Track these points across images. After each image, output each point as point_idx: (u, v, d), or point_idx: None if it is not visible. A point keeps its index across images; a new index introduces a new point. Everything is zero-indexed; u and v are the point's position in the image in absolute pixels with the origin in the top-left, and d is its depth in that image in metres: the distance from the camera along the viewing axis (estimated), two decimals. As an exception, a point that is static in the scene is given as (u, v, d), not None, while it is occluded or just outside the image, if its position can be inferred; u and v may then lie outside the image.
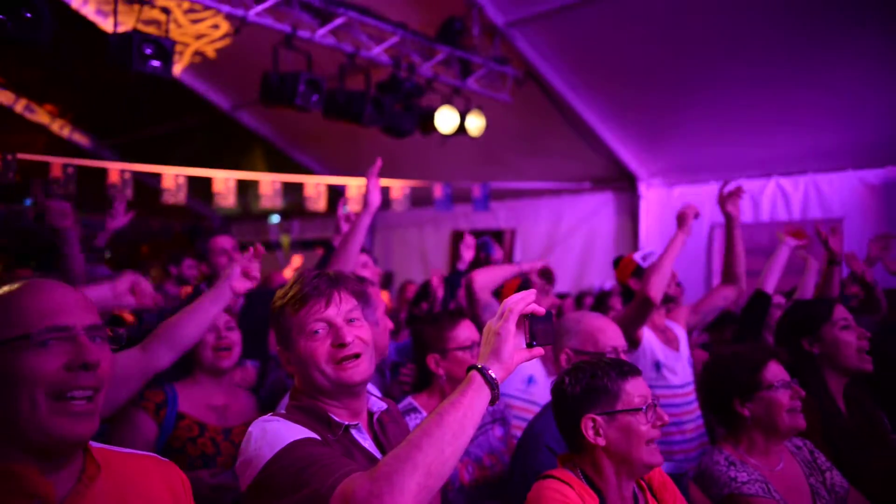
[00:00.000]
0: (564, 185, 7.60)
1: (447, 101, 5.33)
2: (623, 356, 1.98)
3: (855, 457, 2.05)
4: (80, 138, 8.79)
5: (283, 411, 1.37)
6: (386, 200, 7.18)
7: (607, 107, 6.16)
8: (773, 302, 3.26)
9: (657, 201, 7.10)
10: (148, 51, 3.47)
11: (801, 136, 5.72)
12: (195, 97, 7.29)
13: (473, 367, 1.18)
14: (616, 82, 5.86)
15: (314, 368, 1.33)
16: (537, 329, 1.20)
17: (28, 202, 9.81)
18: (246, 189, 6.72)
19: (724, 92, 5.50)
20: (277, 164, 8.48)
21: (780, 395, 1.86)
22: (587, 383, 1.52)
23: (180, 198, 5.70)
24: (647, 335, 2.85)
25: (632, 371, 1.53)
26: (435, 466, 1.09)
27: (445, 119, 5.21)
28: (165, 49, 3.54)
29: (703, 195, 6.85)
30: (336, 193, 7.29)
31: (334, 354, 1.34)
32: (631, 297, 2.95)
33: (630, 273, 3.02)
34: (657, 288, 2.54)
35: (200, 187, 6.26)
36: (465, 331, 2.13)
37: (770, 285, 3.10)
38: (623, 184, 7.21)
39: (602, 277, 7.37)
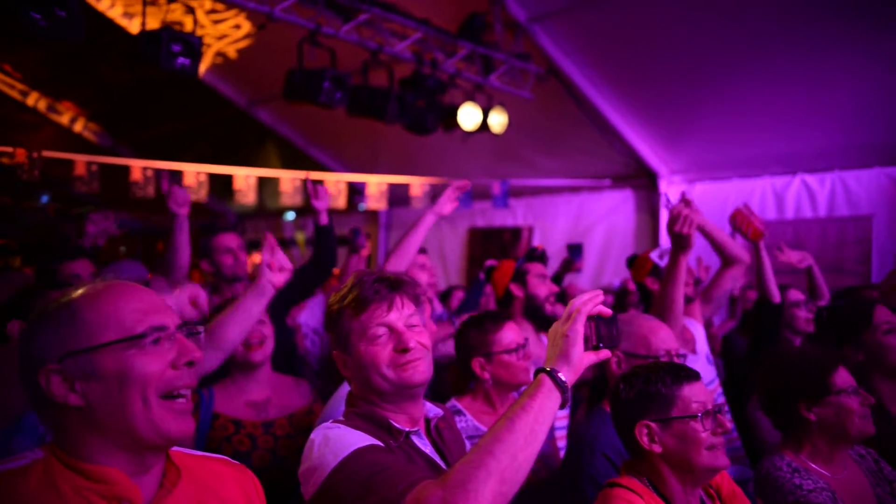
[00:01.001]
0: (584, 183, 7.54)
1: (469, 97, 5.29)
2: (677, 360, 1.93)
3: None
4: (90, 136, 8.80)
5: (342, 417, 1.34)
6: (405, 197, 7.16)
7: (628, 103, 6.10)
8: (788, 301, 3.15)
9: (678, 198, 7.01)
10: (176, 48, 3.45)
11: (828, 132, 5.64)
12: (210, 93, 7.28)
13: (542, 369, 1.16)
14: (637, 79, 5.79)
15: (375, 372, 1.32)
16: (603, 331, 1.18)
17: (45, 199, 9.87)
18: (263, 186, 6.72)
19: (746, 88, 5.42)
20: (294, 161, 8.47)
21: (850, 400, 1.81)
22: (641, 389, 1.49)
23: (201, 195, 5.70)
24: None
25: (689, 376, 1.49)
26: (509, 473, 1.06)
27: (468, 116, 5.17)
28: (193, 46, 3.52)
29: (725, 192, 6.78)
30: (354, 191, 7.27)
31: (396, 359, 1.32)
32: (647, 296, 2.87)
33: (647, 272, 2.96)
34: (676, 319, 2.41)
35: (218, 185, 6.26)
36: (510, 333, 2.10)
37: (774, 291, 2.99)
38: (643, 181, 7.15)
39: (622, 275, 7.31)
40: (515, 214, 8.47)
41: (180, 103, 7.78)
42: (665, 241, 7.04)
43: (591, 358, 1.18)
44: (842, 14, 4.51)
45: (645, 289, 3.01)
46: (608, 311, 1.19)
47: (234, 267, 2.99)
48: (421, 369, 1.33)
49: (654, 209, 7.16)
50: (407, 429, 1.32)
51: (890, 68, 4.74)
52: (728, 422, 1.45)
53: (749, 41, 4.99)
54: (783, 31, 4.80)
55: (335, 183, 6.36)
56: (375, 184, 6.47)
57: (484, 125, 5.29)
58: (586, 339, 1.15)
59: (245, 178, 5.61)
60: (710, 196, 6.86)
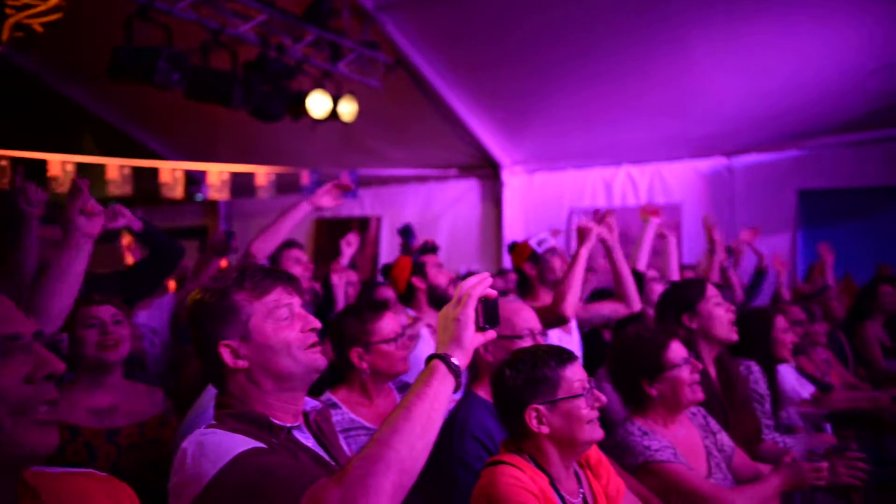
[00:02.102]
0: (431, 172, 7.68)
1: (317, 84, 5.15)
2: (539, 338, 2.05)
3: (723, 420, 2.31)
4: None
5: (214, 421, 1.25)
6: (250, 188, 6.82)
7: (473, 95, 6.29)
8: (648, 277, 3.54)
9: (519, 188, 7.41)
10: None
11: (646, 127, 6.24)
12: (12, 69, 6.38)
13: (435, 355, 1.16)
14: (482, 71, 6.00)
15: (286, 354, 1.25)
16: (488, 312, 1.20)
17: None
18: (85, 174, 6.02)
19: (579, 84, 5.83)
20: (119, 147, 7.70)
21: (682, 372, 2.03)
22: (528, 374, 1.54)
23: (3, 183, 4.97)
24: None
25: (570, 357, 1.58)
26: (408, 463, 1.05)
27: (318, 103, 5.03)
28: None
29: (560, 182, 7.28)
30: (191, 181, 6.79)
31: (305, 340, 1.28)
32: (525, 280, 3.05)
33: (525, 258, 3.11)
34: (571, 305, 2.58)
35: (27, 172, 5.47)
36: (389, 322, 2.09)
37: (642, 263, 3.34)
38: (487, 171, 7.44)
39: (469, 262, 7.57)
40: (363, 204, 8.42)
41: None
42: (509, 229, 7.42)
43: (480, 339, 1.19)
44: (657, 20, 4.99)
45: (523, 273, 3.15)
46: (494, 293, 1.20)
47: None
48: (321, 353, 1.30)
49: (497, 199, 7.48)
50: (288, 424, 1.27)
51: (694, 71, 5.34)
52: (602, 396, 1.57)
53: (582, 41, 5.35)
54: (611, 32, 5.20)
55: (170, 171, 5.88)
56: (216, 172, 6.08)
57: (334, 113, 5.18)
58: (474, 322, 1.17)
59: (61, 164, 4.99)
60: (548, 186, 7.33)
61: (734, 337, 2.45)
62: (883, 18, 4.48)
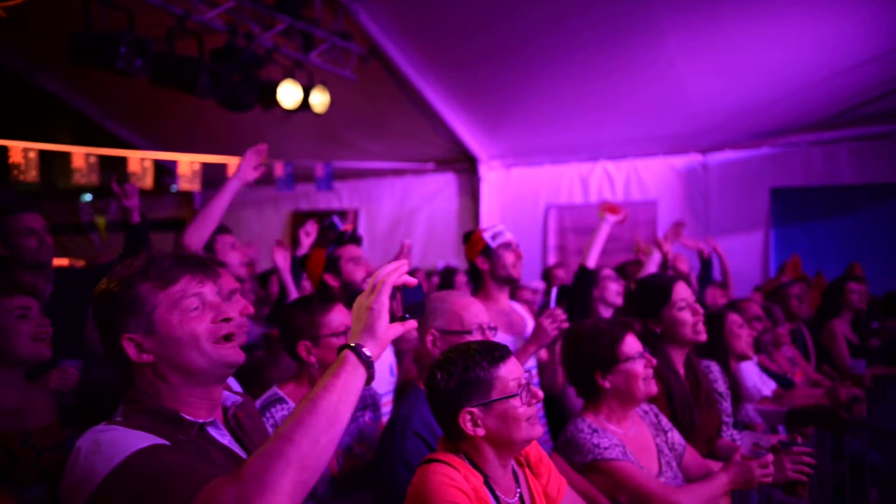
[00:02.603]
0: (408, 166, 7.62)
1: (289, 74, 5.06)
2: (489, 333, 2.00)
3: (689, 418, 2.27)
4: None
5: (119, 418, 1.17)
6: (222, 178, 6.70)
7: (450, 88, 6.23)
8: (602, 275, 3.51)
9: (496, 183, 7.38)
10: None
11: (622, 123, 6.23)
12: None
13: (346, 346, 1.11)
14: (458, 65, 5.94)
15: (193, 348, 1.17)
16: (409, 301, 1.15)
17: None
18: (51, 163, 5.88)
19: (557, 80, 5.79)
20: (88, 135, 7.54)
21: (636, 365, 1.99)
22: (460, 377, 1.47)
23: (31, 175, 4.86)
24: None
25: (503, 355, 1.51)
26: (310, 459, 1.00)
27: (288, 93, 4.94)
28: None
29: (537, 177, 7.26)
30: (163, 171, 6.66)
31: (216, 332, 1.19)
32: (477, 275, 2.90)
33: (479, 251, 2.91)
34: None
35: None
36: (338, 315, 2.02)
37: (592, 260, 3.29)
38: (465, 165, 7.40)
39: (447, 256, 7.53)
40: (340, 197, 8.35)
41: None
42: (487, 223, 7.38)
43: (398, 329, 1.14)
44: (635, 9, 4.95)
45: (476, 268, 2.91)
46: (413, 281, 1.15)
47: (37, 252, 2.58)
48: (238, 347, 1.22)
49: (475, 192, 7.44)
50: (201, 420, 1.19)
51: (665, 67, 5.32)
52: (539, 391, 1.50)
53: (560, 36, 5.30)
54: (587, 29, 5.17)
55: (140, 161, 5.76)
56: (188, 163, 5.96)
57: (305, 104, 5.09)
58: (392, 311, 1.12)
59: (22, 151, 4.85)
60: (525, 180, 7.31)
61: (702, 338, 2.41)
62: (856, 16, 4.49)
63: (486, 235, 2.94)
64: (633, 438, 2.00)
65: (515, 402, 1.46)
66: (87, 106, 7.49)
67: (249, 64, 4.61)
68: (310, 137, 7.01)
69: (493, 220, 7.41)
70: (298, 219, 8.54)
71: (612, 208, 3.40)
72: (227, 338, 1.21)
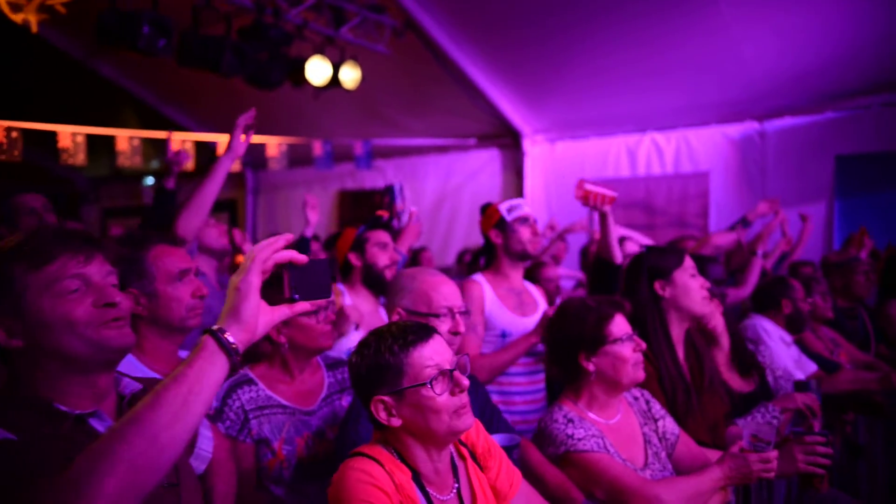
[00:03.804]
0: (450, 142, 7.49)
1: (319, 50, 5.01)
2: (459, 318, 1.86)
3: (686, 402, 2.10)
4: None
5: None
6: (263, 159, 6.79)
7: (489, 60, 6.05)
8: (627, 252, 3.29)
9: (541, 157, 7.16)
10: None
11: (671, 91, 5.88)
12: (42, 43, 6.47)
13: (208, 330, 1.00)
14: (498, 36, 5.74)
15: (69, 332, 1.08)
16: (297, 280, 1.04)
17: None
18: (110, 149, 6.10)
19: (601, 48, 5.52)
20: (148, 121, 7.79)
21: (624, 348, 1.83)
22: (371, 361, 1.35)
23: (79, 159, 5.08)
24: (491, 303, 2.67)
25: (419, 337, 1.35)
26: (144, 459, 0.89)
27: (317, 70, 4.89)
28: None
29: (583, 151, 6.98)
30: (209, 152, 6.79)
31: (99, 316, 1.10)
32: (491, 249, 2.78)
33: (493, 224, 2.78)
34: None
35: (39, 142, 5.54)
36: None
37: (617, 255, 3.05)
38: (508, 140, 7.20)
39: (490, 235, 7.40)
40: (386, 175, 8.31)
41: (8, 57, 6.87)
42: (531, 199, 7.19)
43: (284, 312, 1.04)
44: None
45: (489, 242, 2.79)
46: (302, 258, 1.04)
47: None
48: (127, 331, 1.13)
49: (518, 168, 7.25)
50: (78, 411, 1.09)
51: (717, 30, 4.96)
52: (465, 379, 1.35)
53: (603, 4, 5.04)
54: None
55: (181, 142, 5.88)
56: (224, 143, 6.04)
57: (335, 80, 5.04)
58: (278, 291, 1.03)
59: (71, 136, 5.03)
60: (569, 154, 7.05)
61: (706, 311, 2.22)
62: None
63: (502, 208, 2.81)
64: (617, 427, 1.84)
65: (427, 391, 1.32)
66: (141, 90, 7.73)
67: (277, 41, 4.59)
68: (350, 114, 6.99)
69: (537, 196, 7.21)
70: (345, 198, 8.59)
71: (598, 199, 2.98)
72: (116, 320, 1.12)
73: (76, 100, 7.73)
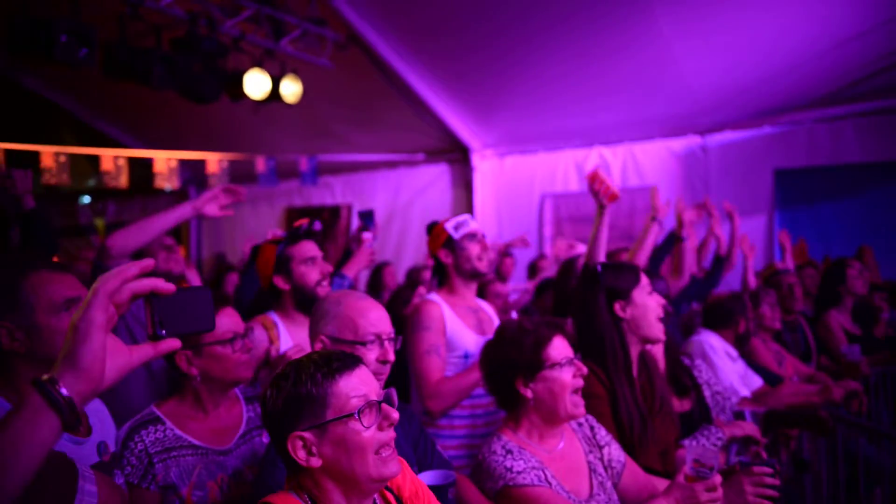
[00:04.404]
0: (398, 157, 7.39)
1: (258, 63, 4.84)
2: (388, 345, 1.70)
3: (642, 430, 2.00)
4: None
5: None
6: (203, 177, 6.54)
7: (437, 76, 5.98)
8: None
9: (490, 172, 7.12)
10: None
11: (617, 106, 5.93)
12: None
13: (35, 380, 0.82)
14: (444, 50, 5.67)
15: None
16: (168, 313, 0.88)
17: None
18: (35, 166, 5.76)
19: (548, 64, 5.51)
20: (77, 135, 7.44)
21: (563, 373, 1.72)
22: (289, 393, 1.19)
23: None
24: (452, 323, 2.53)
25: (345, 365, 1.22)
26: None
27: (255, 83, 4.72)
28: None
29: (532, 165, 6.97)
30: (144, 169, 6.51)
31: None
32: (441, 268, 2.64)
33: (441, 244, 2.63)
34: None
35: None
36: (224, 320, 1.76)
37: (601, 257, 3.01)
38: (456, 155, 7.15)
39: (441, 250, 7.30)
40: (334, 192, 8.16)
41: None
42: (481, 214, 7.12)
43: (147, 352, 0.88)
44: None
45: (439, 262, 2.64)
46: (167, 287, 0.87)
47: None
48: None
49: (468, 183, 7.19)
50: None
51: (658, 45, 5.01)
52: (395, 412, 1.21)
53: (547, 14, 5.02)
54: (580, 9, 4.88)
55: (113, 159, 5.60)
56: (163, 160, 5.79)
57: (275, 94, 4.87)
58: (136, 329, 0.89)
59: (54, 155, 4.70)
60: (519, 169, 7.03)
61: (662, 336, 2.14)
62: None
63: (449, 226, 2.67)
64: (560, 456, 1.73)
65: (355, 424, 1.17)
66: (72, 105, 7.38)
67: (212, 53, 4.40)
68: (296, 130, 6.82)
69: (487, 211, 7.16)
70: (293, 215, 8.37)
71: (603, 188, 2.93)
72: None
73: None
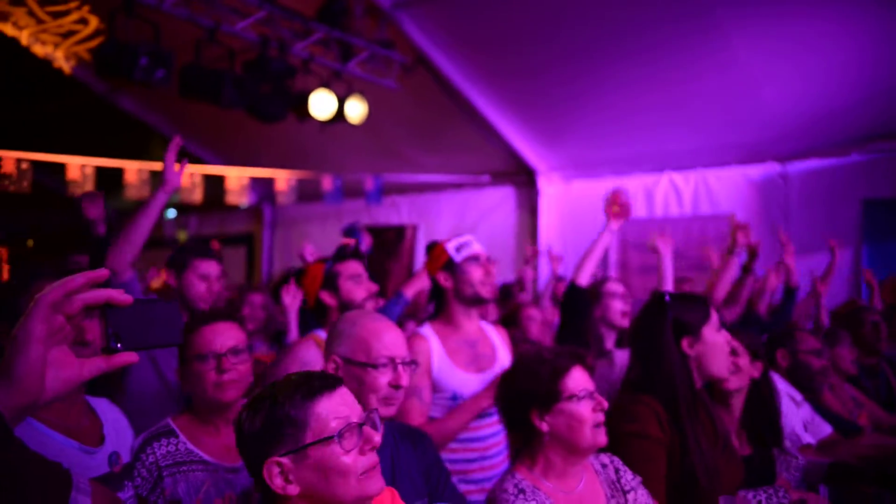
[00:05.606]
0: (463, 179, 7.38)
1: (325, 84, 4.97)
2: (402, 369, 1.63)
3: (708, 480, 1.81)
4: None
5: None
6: (272, 194, 6.77)
7: (503, 98, 5.97)
8: (605, 290, 3.09)
9: (556, 196, 6.99)
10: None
11: (691, 130, 5.71)
12: (66, 78, 6.61)
13: None
14: (511, 72, 5.66)
15: None
16: (124, 326, 0.85)
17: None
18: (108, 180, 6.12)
19: (618, 87, 5.40)
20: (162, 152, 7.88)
21: (581, 406, 1.61)
22: (267, 415, 1.14)
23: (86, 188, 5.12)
24: (440, 361, 2.36)
25: (326, 386, 1.16)
26: None
27: (321, 103, 4.84)
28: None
29: (599, 190, 6.78)
30: (218, 185, 6.79)
31: None
32: (439, 293, 2.48)
33: (441, 266, 2.48)
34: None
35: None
36: (207, 336, 1.71)
37: (585, 276, 2.96)
38: (522, 178, 7.07)
39: (506, 273, 7.20)
40: (400, 213, 8.24)
41: (31, 87, 7.06)
42: (545, 238, 7.00)
43: (98, 365, 0.85)
44: (700, 22, 4.52)
45: (437, 285, 2.50)
46: (124, 298, 0.83)
47: None
48: None
49: (533, 206, 7.09)
50: None
51: (734, 69, 4.80)
52: (377, 436, 1.16)
53: (619, 35, 4.94)
54: (649, 34, 4.77)
55: (189, 176, 5.88)
56: (235, 178, 6.03)
57: (340, 114, 4.98)
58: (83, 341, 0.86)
59: (80, 167, 5.04)
60: (585, 193, 6.86)
61: (727, 374, 1.97)
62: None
63: (450, 247, 2.51)
64: (579, 498, 1.60)
65: (335, 447, 1.11)
66: (161, 123, 7.84)
67: (280, 74, 4.56)
68: (363, 150, 6.95)
69: (552, 235, 7.02)
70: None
71: (618, 205, 2.80)
72: None
73: (95, 133, 7.87)
